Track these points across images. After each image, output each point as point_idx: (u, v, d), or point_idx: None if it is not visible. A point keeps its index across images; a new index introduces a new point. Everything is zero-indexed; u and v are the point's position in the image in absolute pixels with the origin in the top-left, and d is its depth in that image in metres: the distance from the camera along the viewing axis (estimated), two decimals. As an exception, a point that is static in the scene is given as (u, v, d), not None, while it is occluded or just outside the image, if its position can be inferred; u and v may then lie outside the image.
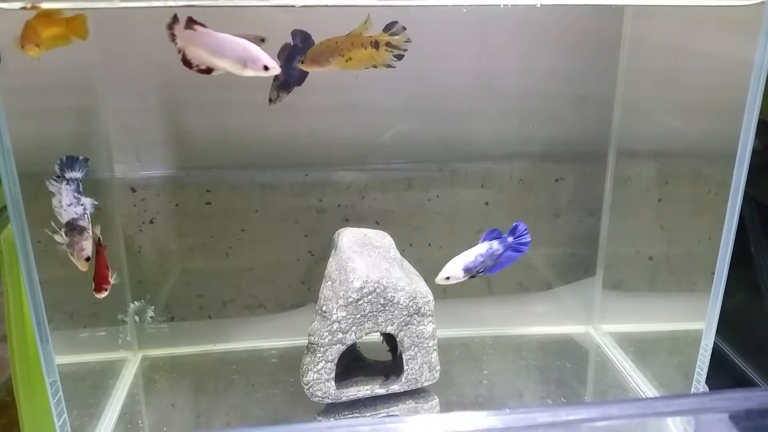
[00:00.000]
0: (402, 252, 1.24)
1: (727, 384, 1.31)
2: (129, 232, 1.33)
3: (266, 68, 0.87)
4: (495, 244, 1.04)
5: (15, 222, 0.89)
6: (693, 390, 1.15)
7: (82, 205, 1.00)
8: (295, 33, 1.01)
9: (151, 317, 1.37)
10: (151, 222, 1.33)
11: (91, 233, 1.00)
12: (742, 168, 1.00)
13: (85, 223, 0.99)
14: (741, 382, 1.32)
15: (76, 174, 1.00)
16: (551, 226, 1.44)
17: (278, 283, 1.41)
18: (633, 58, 1.32)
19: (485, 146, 1.38)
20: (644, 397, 1.26)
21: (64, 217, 0.98)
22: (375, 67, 1.00)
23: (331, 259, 1.19)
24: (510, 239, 1.05)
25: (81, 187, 1.01)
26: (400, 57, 0.99)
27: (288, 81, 1.05)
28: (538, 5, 1.10)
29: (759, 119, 0.97)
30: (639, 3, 1.31)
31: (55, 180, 1.00)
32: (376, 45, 0.99)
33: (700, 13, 1.18)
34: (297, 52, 1.02)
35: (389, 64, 1.00)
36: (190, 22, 0.87)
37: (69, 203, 0.99)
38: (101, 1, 1.02)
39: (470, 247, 1.44)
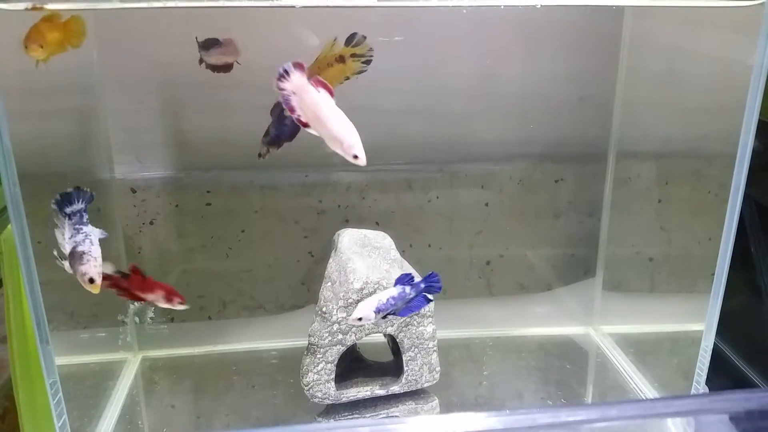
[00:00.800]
0: (402, 253, 1.24)
1: (727, 385, 1.31)
2: (129, 233, 1.33)
3: (355, 157, 0.90)
4: (407, 289, 1.06)
5: (15, 223, 0.89)
6: (693, 391, 1.15)
7: (83, 233, 0.97)
8: None
9: (151, 318, 1.37)
10: (151, 223, 1.33)
11: (94, 257, 0.96)
12: (742, 169, 1.00)
13: (85, 247, 0.96)
14: (741, 383, 1.32)
15: (77, 206, 0.99)
16: (551, 227, 1.44)
17: (278, 283, 1.41)
18: (633, 58, 1.32)
19: (485, 147, 1.38)
20: (644, 398, 1.26)
21: (67, 248, 0.96)
22: (347, 78, 1.03)
23: (331, 260, 1.19)
24: (422, 285, 1.08)
25: (84, 216, 0.99)
26: (368, 62, 1.02)
27: (279, 137, 1.07)
28: (538, 6, 1.10)
29: (759, 120, 0.97)
30: (639, 4, 1.31)
31: (56, 213, 0.98)
32: (342, 60, 1.02)
33: (700, 14, 1.18)
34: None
35: (360, 70, 1.02)
36: (318, 83, 0.90)
37: (71, 236, 0.97)
38: (101, 1, 1.02)
39: (470, 250, 1.44)
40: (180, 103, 1.27)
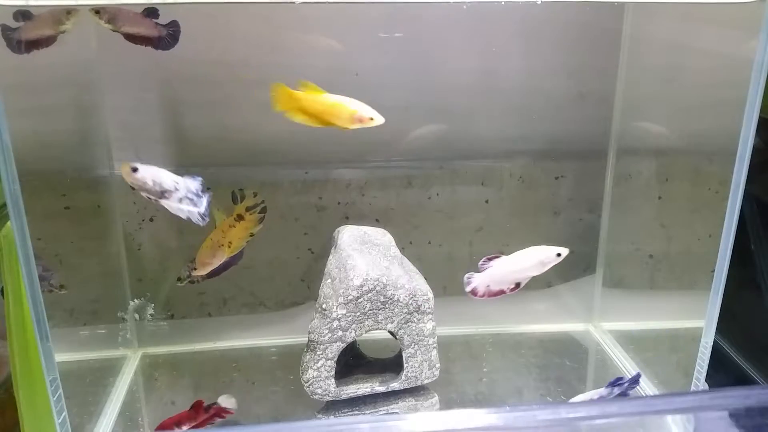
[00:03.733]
0: (402, 250, 1.24)
1: (727, 382, 1.31)
2: (129, 229, 1.33)
3: (558, 255, 1.05)
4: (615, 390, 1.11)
5: (14, 219, 0.89)
6: (693, 388, 1.15)
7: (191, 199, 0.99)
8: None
9: (151, 315, 1.37)
10: (151, 220, 1.33)
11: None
12: (743, 166, 1.00)
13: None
14: (741, 380, 1.32)
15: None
16: (551, 224, 1.44)
17: (278, 280, 1.41)
18: (633, 55, 1.32)
19: (485, 144, 1.38)
20: (644, 395, 1.26)
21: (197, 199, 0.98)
22: (252, 235, 1.15)
23: (331, 257, 1.19)
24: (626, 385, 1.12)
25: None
26: (263, 210, 1.13)
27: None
28: (538, 2, 1.10)
29: (759, 117, 0.97)
30: (639, 0, 1.30)
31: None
32: (240, 218, 1.12)
33: (701, 11, 1.18)
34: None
35: (259, 221, 1.14)
36: (487, 262, 1.04)
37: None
38: (102, 1, 1.02)
39: (470, 247, 1.44)
40: (179, 100, 1.27)
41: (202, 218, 0.99)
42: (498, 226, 1.43)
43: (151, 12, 0.99)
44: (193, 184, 0.98)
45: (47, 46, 0.94)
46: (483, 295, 1.06)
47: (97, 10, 0.96)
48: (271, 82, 1.06)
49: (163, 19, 1.01)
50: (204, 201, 0.99)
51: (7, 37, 0.91)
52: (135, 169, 0.95)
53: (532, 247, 1.05)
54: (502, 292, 1.05)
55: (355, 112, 1.00)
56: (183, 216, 0.98)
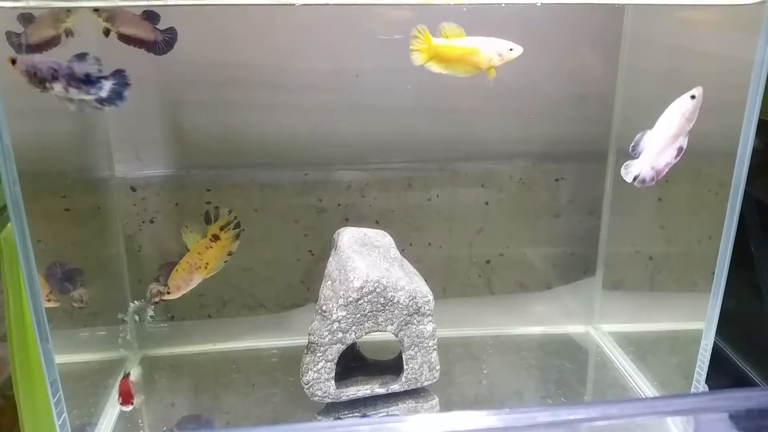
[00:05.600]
0: (402, 251, 1.24)
1: (727, 384, 1.31)
2: (129, 231, 1.33)
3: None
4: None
5: (15, 221, 0.89)
6: (693, 390, 1.15)
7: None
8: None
9: (150, 317, 1.37)
10: (151, 221, 1.33)
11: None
12: (743, 167, 1.00)
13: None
14: (741, 381, 1.32)
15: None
16: (551, 226, 1.44)
17: (278, 282, 1.41)
18: (633, 57, 1.32)
19: (485, 146, 1.38)
20: (644, 396, 1.26)
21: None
22: (231, 254, 1.14)
23: (331, 259, 1.19)
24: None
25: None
26: (238, 225, 1.12)
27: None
28: (539, 4, 1.10)
29: (759, 119, 0.97)
30: (640, 2, 1.30)
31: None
32: (216, 238, 1.11)
33: (701, 12, 1.18)
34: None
35: (236, 236, 1.14)
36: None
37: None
38: (101, 1, 1.02)
39: (470, 249, 1.44)
40: (180, 101, 1.27)
41: (103, 103, 0.92)
42: (498, 227, 1.43)
43: (150, 15, 0.98)
44: (79, 68, 0.91)
45: (52, 47, 0.94)
46: (653, 179, 1.01)
47: (96, 8, 0.96)
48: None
49: (163, 22, 1.01)
50: (105, 85, 0.93)
51: (13, 43, 0.91)
52: (14, 61, 0.89)
53: (666, 111, 1.01)
54: (668, 164, 1.00)
55: (492, 51, 0.98)
56: (74, 107, 0.92)
